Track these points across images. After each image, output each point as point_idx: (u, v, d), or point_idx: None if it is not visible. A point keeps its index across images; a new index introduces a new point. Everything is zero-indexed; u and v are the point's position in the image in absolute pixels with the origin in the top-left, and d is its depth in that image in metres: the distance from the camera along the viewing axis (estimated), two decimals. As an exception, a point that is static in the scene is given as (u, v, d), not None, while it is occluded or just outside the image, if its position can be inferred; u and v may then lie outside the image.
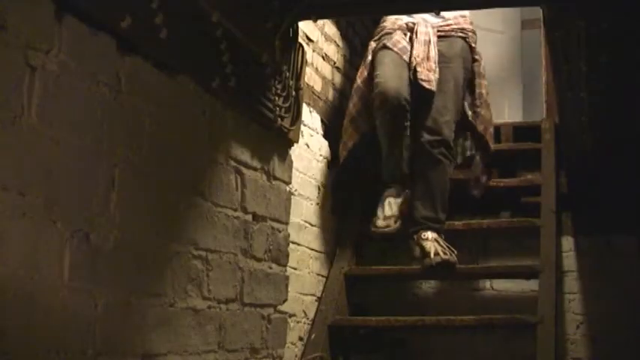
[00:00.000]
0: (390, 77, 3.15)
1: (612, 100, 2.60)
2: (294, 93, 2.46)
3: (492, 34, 5.84)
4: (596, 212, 3.82)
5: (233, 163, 2.15)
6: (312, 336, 3.33)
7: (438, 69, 3.14)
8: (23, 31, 1.37)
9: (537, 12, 3.48)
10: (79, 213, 1.51)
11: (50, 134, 1.44)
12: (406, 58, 3.17)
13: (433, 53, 3.15)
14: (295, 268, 3.25)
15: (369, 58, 3.26)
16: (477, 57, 3.36)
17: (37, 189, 1.40)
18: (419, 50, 3.15)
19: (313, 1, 2.22)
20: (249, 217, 2.24)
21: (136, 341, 1.70)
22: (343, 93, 3.47)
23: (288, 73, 2.39)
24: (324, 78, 3.23)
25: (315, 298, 3.50)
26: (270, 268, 2.39)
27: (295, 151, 2.59)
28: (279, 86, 2.34)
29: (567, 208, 3.97)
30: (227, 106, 2.10)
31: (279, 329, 2.43)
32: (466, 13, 3.28)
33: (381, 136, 3.21)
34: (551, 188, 3.85)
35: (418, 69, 3.11)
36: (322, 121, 3.19)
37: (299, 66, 2.50)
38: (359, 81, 3.27)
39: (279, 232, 2.45)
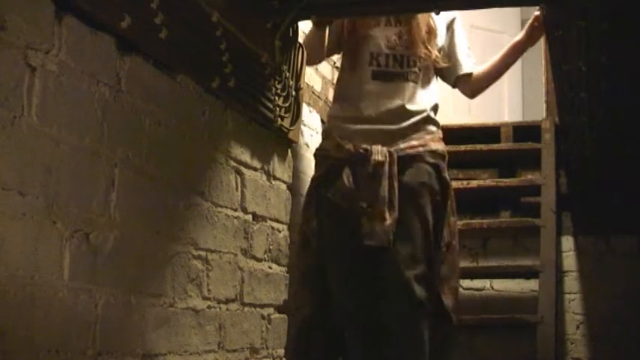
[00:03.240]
0: (330, 249, 2.38)
1: (612, 100, 2.60)
2: (294, 93, 2.46)
3: (492, 34, 5.85)
4: (596, 212, 3.82)
5: (233, 163, 2.15)
6: (312, 336, 3.33)
7: (396, 211, 2.28)
8: (23, 31, 1.37)
9: (537, 12, 3.46)
10: (79, 213, 1.51)
11: (50, 134, 1.44)
12: (348, 205, 2.34)
13: (386, 193, 2.29)
14: (295, 268, 3.25)
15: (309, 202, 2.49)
16: (448, 186, 2.45)
17: (37, 189, 1.40)
18: (367, 191, 2.32)
19: (313, 1, 2.22)
20: (249, 217, 2.24)
21: (136, 341, 1.70)
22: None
23: (288, 73, 2.39)
24: (323, 78, 3.23)
25: (315, 298, 3.50)
26: (270, 268, 2.39)
27: (295, 151, 2.59)
28: (279, 86, 2.34)
29: (567, 208, 3.97)
30: (227, 106, 2.10)
31: (279, 329, 2.43)
32: (434, 128, 2.46)
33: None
34: (551, 188, 3.85)
35: (363, 222, 2.29)
36: (322, 120, 3.19)
37: (299, 66, 2.50)
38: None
39: (279, 232, 2.45)
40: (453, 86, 2.70)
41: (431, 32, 2.52)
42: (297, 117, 2.49)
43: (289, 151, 2.54)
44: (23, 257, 1.37)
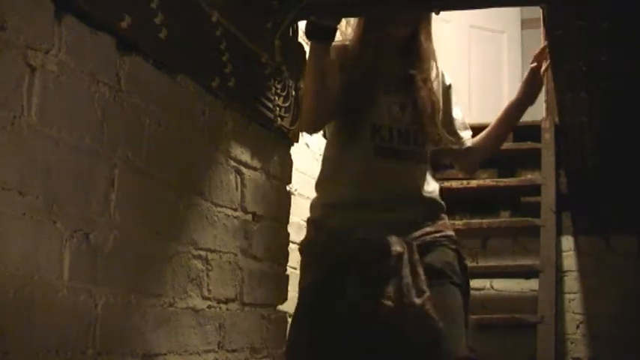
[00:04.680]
0: None
1: (612, 100, 2.60)
2: (294, 93, 2.46)
3: (492, 34, 5.85)
4: (596, 212, 3.82)
5: (233, 163, 2.15)
6: (312, 336, 3.33)
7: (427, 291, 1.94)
8: (23, 31, 1.37)
9: (537, 12, 3.47)
10: (79, 213, 1.51)
11: (50, 134, 1.44)
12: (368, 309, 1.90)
13: (409, 280, 1.94)
14: (295, 268, 3.24)
15: None
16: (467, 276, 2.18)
17: (37, 189, 1.40)
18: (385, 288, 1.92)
19: (313, 1, 2.22)
20: (249, 217, 2.24)
21: (136, 341, 1.70)
22: (343, 93, 3.47)
23: (288, 73, 2.39)
24: (324, 78, 3.23)
25: (315, 298, 3.50)
26: (270, 268, 2.39)
27: (295, 151, 2.58)
28: (279, 86, 2.34)
29: (567, 208, 3.98)
30: (227, 106, 2.10)
31: (279, 329, 2.43)
32: (444, 215, 2.16)
33: None
34: (551, 188, 3.85)
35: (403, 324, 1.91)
36: (322, 121, 3.19)
37: (299, 66, 2.50)
38: None
39: (279, 232, 2.45)
40: (450, 164, 2.49)
41: (435, 108, 2.12)
42: (297, 117, 2.49)
43: (289, 151, 2.54)
44: (23, 257, 1.37)
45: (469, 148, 2.23)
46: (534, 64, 2.18)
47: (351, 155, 2.04)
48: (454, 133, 2.20)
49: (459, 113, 2.26)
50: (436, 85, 2.13)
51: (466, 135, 2.24)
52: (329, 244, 1.98)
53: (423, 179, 2.10)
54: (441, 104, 2.14)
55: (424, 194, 2.08)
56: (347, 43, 2.13)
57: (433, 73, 2.11)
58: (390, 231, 1.95)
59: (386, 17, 2.12)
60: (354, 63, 2.05)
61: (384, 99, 2.05)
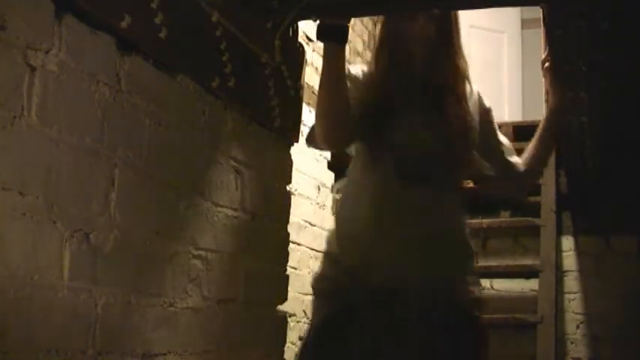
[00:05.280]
0: None
1: (612, 100, 2.60)
2: (294, 93, 2.46)
3: (492, 33, 5.85)
4: (596, 212, 3.82)
5: (233, 163, 2.15)
6: (312, 336, 3.33)
7: None
8: (23, 31, 1.37)
9: (537, 12, 3.46)
10: (79, 213, 1.51)
11: (50, 134, 1.44)
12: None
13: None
14: (295, 268, 3.25)
15: None
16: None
17: (37, 189, 1.40)
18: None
19: (313, 1, 2.22)
20: (249, 217, 2.24)
21: (136, 341, 1.70)
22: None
23: (288, 73, 2.39)
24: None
25: (315, 298, 3.50)
26: (270, 268, 2.39)
27: (295, 151, 2.58)
28: (279, 86, 2.34)
29: (567, 208, 3.98)
30: (227, 106, 2.10)
31: (279, 329, 2.43)
32: (472, 263, 1.95)
33: None
34: (551, 188, 3.86)
35: None
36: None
37: (299, 66, 2.50)
38: None
39: (279, 232, 2.45)
40: (495, 192, 2.38)
41: (469, 128, 1.90)
42: (297, 117, 2.49)
43: (289, 151, 2.54)
44: (23, 257, 1.37)
45: (521, 172, 2.02)
46: (546, 65, 2.10)
47: (371, 181, 1.84)
48: (501, 158, 2.00)
49: (504, 138, 2.06)
50: (472, 106, 1.94)
51: (516, 159, 2.03)
52: (344, 282, 1.81)
53: (452, 211, 1.88)
54: (476, 125, 1.93)
55: (451, 232, 1.86)
56: (363, 69, 1.96)
57: (467, 91, 1.93)
58: (411, 274, 1.77)
59: (403, 33, 1.91)
60: (374, 85, 1.88)
61: (407, 120, 1.86)
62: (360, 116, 1.85)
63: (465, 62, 1.96)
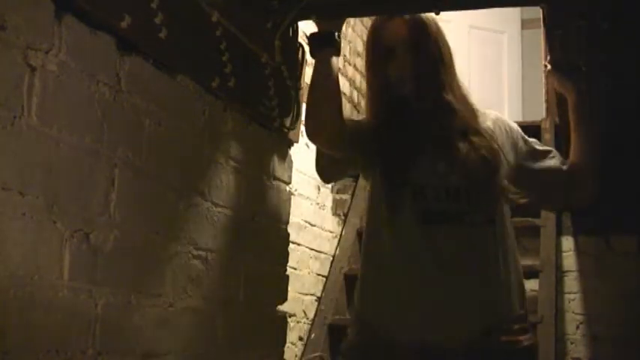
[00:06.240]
0: None
1: (612, 100, 2.60)
2: (294, 93, 2.46)
3: (492, 34, 5.85)
4: (596, 212, 3.82)
5: (233, 163, 2.15)
6: (312, 336, 3.34)
7: None
8: (23, 31, 1.37)
9: (537, 12, 3.46)
10: (79, 213, 1.51)
11: (50, 134, 1.44)
12: None
13: None
14: (295, 268, 3.25)
15: None
16: None
17: (37, 189, 1.40)
18: None
19: (313, 1, 2.22)
20: (249, 217, 2.24)
21: (136, 341, 1.70)
22: (343, 92, 3.47)
23: (287, 73, 2.39)
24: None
25: (315, 298, 3.50)
26: (270, 268, 2.39)
27: (295, 151, 2.58)
28: (279, 86, 2.34)
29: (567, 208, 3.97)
30: (227, 106, 2.10)
31: (279, 329, 2.43)
32: (522, 312, 1.79)
33: None
34: (551, 188, 3.85)
35: None
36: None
37: (299, 66, 2.50)
38: None
39: (279, 232, 2.45)
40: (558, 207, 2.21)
41: (495, 157, 1.73)
42: (297, 117, 2.49)
43: (289, 151, 2.54)
44: (23, 257, 1.37)
45: (570, 171, 1.84)
46: (549, 68, 2.02)
47: (393, 231, 1.68)
48: (543, 171, 1.84)
49: (532, 140, 1.92)
50: (498, 132, 1.81)
51: (554, 162, 1.86)
52: (371, 349, 1.66)
53: (490, 250, 1.67)
54: (503, 153, 1.77)
55: (491, 276, 1.66)
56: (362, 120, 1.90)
57: (484, 120, 1.82)
58: (446, 331, 1.59)
59: (387, 79, 1.79)
60: (377, 134, 1.78)
61: (426, 156, 1.72)
62: (374, 158, 1.76)
63: (464, 92, 1.84)
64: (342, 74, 3.59)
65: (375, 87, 1.87)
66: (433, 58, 1.78)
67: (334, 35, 1.84)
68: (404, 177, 1.68)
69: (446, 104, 1.76)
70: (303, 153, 3.00)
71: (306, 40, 1.86)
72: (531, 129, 4.19)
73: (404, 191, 1.68)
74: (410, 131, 1.76)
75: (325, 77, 1.78)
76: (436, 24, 1.84)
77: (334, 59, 1.81)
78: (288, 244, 2.51)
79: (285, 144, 2.49)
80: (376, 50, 1.85)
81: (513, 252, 1.75)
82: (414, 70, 1.77)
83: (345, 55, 3.66)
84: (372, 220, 1.78)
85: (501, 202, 1.74)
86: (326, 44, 1.82)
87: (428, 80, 1.77)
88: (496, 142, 1.76)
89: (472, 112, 1.81)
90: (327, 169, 1.89)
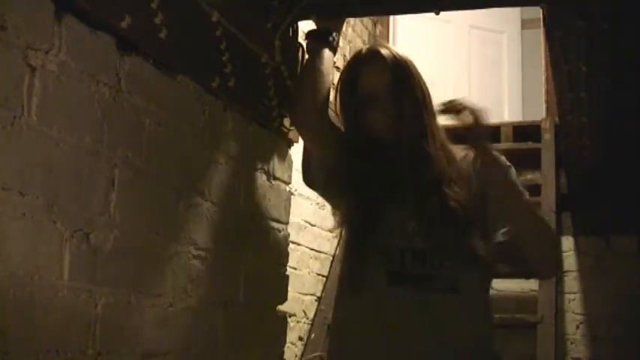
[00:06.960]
0: None
1: (612, 100, 2.60)
2: (294, 93, 2.46)
3: (492, 34, 5.85)
4: (596, 212, 3.82)
5: (233, 163, 2.15)
6: (312, 336, 3.34)
7: None
8: (23, 31, 1.37)
9: (537, 12, 3.45)
10: (79, 213, 1.51)
11: (50, 134, 1.44)
12: None
13: None
14: (295, 268, 3.25)
15: None
16: None
17: (37, 189, 1.40)
18: None
19: (313, 1, 2.22)
20: (249, 217, 2.24)
21: (136, 341, 1.70)
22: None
23: (287, 73, 2.39)
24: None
25: (315, 298, 3.51)
26: (270, 268, 2.39)
27: (295, 151, 2.58)
28: (279, 86, 2.34)
29: (567, 208, 3.98)
30: (227, 106, 2.10)
31: (279, 329, 2.43)
32: None
33: None
34: (551, 188, 3.86)
35: None
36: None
37: (299, 66, 2.50)
38: None
39: (279, 232, 2.45)
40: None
41: (466, 214, 1.64)
42: (297, 117, 2.49)
43: (289, 151, 2.54)
44: (23, 257, 1.37)
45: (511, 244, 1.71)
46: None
47: (359, 287, 1.64)
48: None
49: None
50: (466, 169, 1.71)
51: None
52: None
53: (468, 318, 1.59)
54: (474, 195, 1.67)
55: (464, 344, 1.57)
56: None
57: (462, 164, 1.73)
58: None
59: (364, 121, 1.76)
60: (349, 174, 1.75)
61: (395, 212, 1.66)
62: (344, 211, 1.74)
63: (441, 130, 1.75)
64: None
65: (350, 130, 1.85)
66: (417, 102, 1.74)
67: (331, 33, 1.90)
68: (370, 237, 1.64)
69: (423, 153, 1.69)
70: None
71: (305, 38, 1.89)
72: (531, 129, 4.20)
73: (369, 251, 1.64)
74: (384, 180, 1.70)
75: (313, 69, 1.85)
76: (412, 62, 1.80)
77: (327, 54, 1.87)
78: (288, 244, 2.51)
79: (285, 144, 2.49)
80: (354, 95, 1.82)
81: (481, 326, 1.64)
82: (397, 117, 1.72)
83: (345, 55, 3.66)
84: (341, 273, 1.80)
85: (475, 267, 1.62)
86: (322, 41, 1.88)
87: (410, 127, 1.73)
88: (472, 187, 1.67)
89: (450, 158, 1.73)
90: (308, 173, 1.93)
